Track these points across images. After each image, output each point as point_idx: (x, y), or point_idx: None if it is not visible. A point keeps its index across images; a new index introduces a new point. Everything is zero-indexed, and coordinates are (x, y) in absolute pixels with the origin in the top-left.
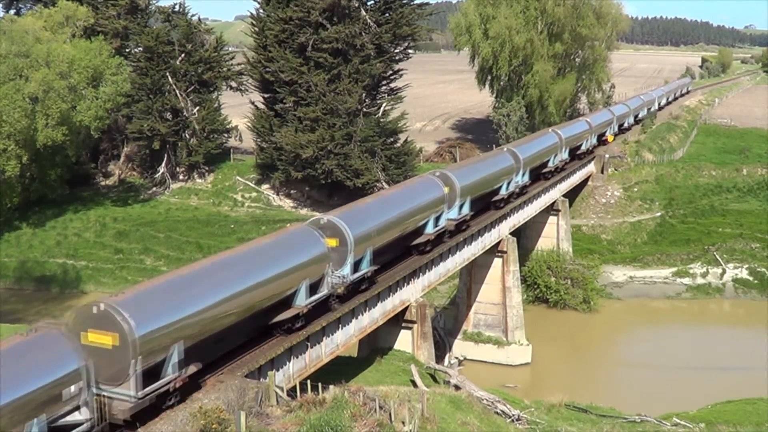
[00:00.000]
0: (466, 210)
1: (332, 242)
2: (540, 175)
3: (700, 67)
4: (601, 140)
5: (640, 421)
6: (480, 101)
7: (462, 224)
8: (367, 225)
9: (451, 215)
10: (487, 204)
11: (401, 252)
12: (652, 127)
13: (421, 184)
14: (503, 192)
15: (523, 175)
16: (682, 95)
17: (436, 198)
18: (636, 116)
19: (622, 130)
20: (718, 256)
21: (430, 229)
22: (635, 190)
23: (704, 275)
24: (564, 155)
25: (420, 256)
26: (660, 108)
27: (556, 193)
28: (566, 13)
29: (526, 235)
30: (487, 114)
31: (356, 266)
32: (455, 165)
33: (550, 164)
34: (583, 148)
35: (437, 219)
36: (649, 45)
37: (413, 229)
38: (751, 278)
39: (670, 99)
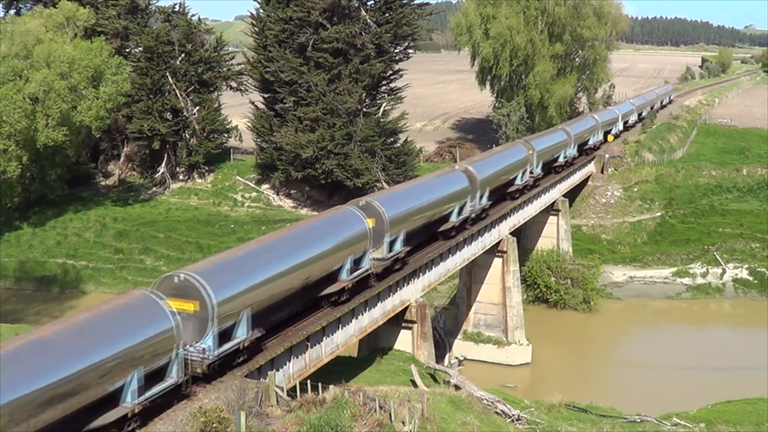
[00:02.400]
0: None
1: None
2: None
3: (700, 67)
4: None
5: (640, 421)
6: (480, 101)
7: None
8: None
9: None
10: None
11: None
12: (652, 127)
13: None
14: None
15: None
16: (663, 106)
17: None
18: (585, 142)
19: (555, 167)
20: (718, 256)
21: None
22: (635, 190)
23: (704, 275)
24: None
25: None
26: (626, 128)
27: (556, 193)
28: (567, 13)
29: (526, 235)
30: (487, 114)
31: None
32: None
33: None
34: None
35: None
36: (649, 45)
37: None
38: (751, 278)
39: (643, 114)
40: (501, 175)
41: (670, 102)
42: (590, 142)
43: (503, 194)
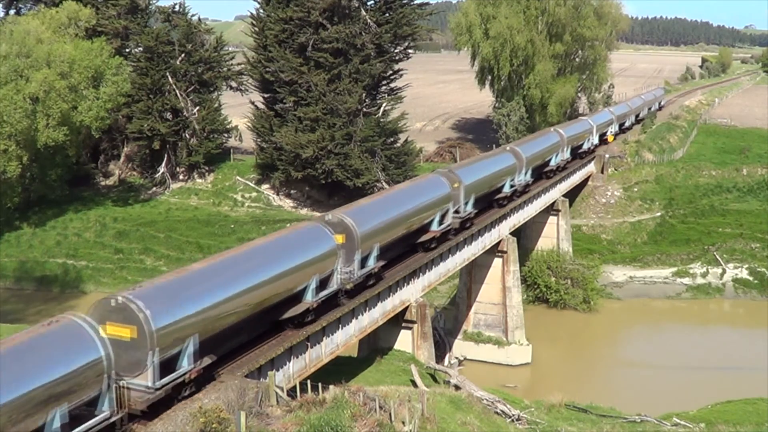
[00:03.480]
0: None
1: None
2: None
3: (700, 67)
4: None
5: (640, 421)
6: (480, 101)
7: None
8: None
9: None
10: (411, 246)
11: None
12: (652, 127)
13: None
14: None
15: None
16: (652, 114)
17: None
18: (546, 163)
19: (497, 200)
20: (718, 256)
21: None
22: (635, 190)
23: (704, 275)
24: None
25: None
26: (603, 140)
27: (556, 193)
28: (567, 13)
29: (526, 235)
30: (487, 114)
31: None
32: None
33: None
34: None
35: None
36: (649, 45)
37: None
38: (751, 278)
39: (626, 124)
40: (404, 221)
41: (660, 108)
42: (552, 163)
43: (412, 245)
